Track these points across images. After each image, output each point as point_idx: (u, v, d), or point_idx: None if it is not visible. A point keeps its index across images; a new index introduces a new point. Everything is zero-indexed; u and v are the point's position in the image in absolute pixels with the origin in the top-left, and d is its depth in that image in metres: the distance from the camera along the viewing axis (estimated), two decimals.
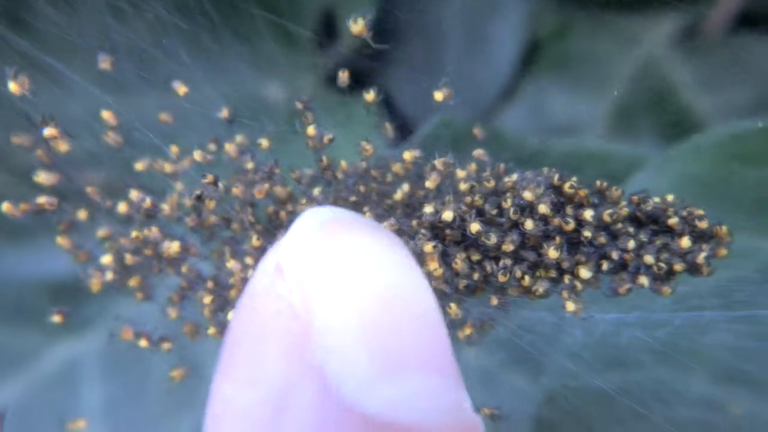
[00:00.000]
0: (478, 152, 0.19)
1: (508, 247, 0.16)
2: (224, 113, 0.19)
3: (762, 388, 0.19)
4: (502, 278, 0.17)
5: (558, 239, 0.17)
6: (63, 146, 0.18)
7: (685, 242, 0.16)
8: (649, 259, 0.16)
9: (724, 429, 0.19)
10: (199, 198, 0.18)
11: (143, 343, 0.19)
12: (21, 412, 0.35)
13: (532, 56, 0.53)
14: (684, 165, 0.25)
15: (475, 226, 0.16)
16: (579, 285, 0.17)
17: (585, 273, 0.16)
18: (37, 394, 0.36)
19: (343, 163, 0.19)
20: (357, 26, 0.18)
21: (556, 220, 0.16)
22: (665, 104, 0.51)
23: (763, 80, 0.47)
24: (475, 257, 0.17)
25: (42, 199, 0.17)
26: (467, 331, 0.18)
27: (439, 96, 0.18)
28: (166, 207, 0.18)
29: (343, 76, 0.19)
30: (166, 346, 0.19)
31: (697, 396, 0.21)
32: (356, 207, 0.20)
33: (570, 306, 0.17)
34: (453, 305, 0.18)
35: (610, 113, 0.52)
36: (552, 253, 0.16)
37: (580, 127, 0.53)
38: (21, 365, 0.37)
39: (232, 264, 0.18)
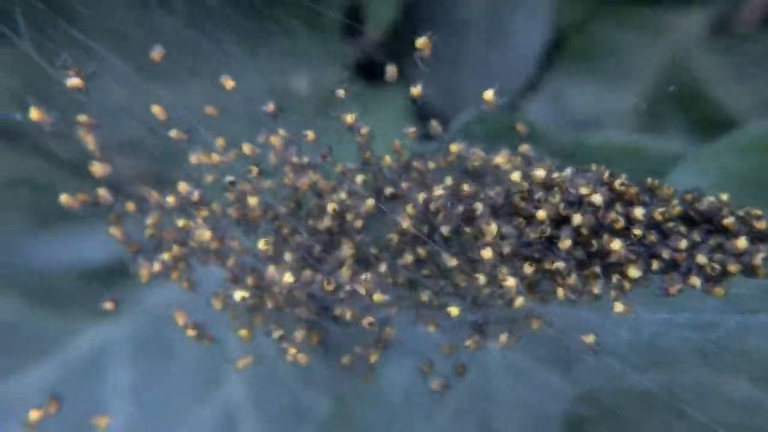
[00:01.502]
0: (523, 148, 0.19)
1: (565, 243, 0.16)
2: (270, 107, 0.19)
3: None
4: (569, 281, 0.17)
5: (614, 234, 0.16)
6: (90, 139, 0.18)
7: (742, 243, 0.16)
8: (701, 259, 0.16)
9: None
10: (232, 184, 0.18)
11: (190, 332, 0.19)
12: (53, 392, 0.36)
13: (556, 48, 0.52)
14: (727, 161, 0.24)
15: (542, 214, 0.16)
16: (627, 284, 0.17)
17: (634, 272, 0.16)
18: (69, 376, 0.37)
19: (387, 158, 0.19)
20: (421, 42, 0.18)
21: (611, 215, 0.16)
22: (694, 98, 0.50)
23: None
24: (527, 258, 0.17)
25: (101, 192, 0.18)
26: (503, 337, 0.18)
27: (488, 95, 0.18)
28: (212, 203, 0.19)
29: (392, 71, 0.19)
30: (208, 338, 0.19)
31: (740, 398, 0.20)
32: (396, 201, 0.20)
33: (618, 306, 0.17)
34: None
35: (636, 107, 0.51)
36: (615, 246, 0.16)
37: (606, 121, 0.52)
38: (54, 347, 0.38)
39: (271, 270, 0.18)
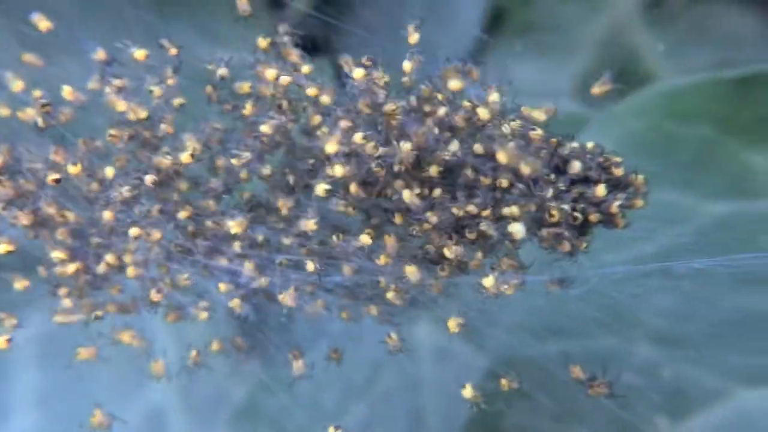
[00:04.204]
0: None
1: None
2: None
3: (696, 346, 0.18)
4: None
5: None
6: None
7: (601, 190, 0.15)
8: (565, 208, 0.15)
9: (657, 393, 0.19)
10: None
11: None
12: None
13: (496, 24, 0.51)
14: (625, 122, 0.24)
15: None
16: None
17: (517, 229, 0.15)
18: None
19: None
20: None
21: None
22: (630, 71, 0.50)
23: (725, 45, 0.47)
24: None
25: None
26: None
27: (413, 39, 0.17)
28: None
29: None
30: None
31: (639, 361, 0.20)
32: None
33: (489, 281, 0.15)
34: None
35: (576, 81, 0.51)
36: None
37: (547, 95, 0.51)
38: None
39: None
